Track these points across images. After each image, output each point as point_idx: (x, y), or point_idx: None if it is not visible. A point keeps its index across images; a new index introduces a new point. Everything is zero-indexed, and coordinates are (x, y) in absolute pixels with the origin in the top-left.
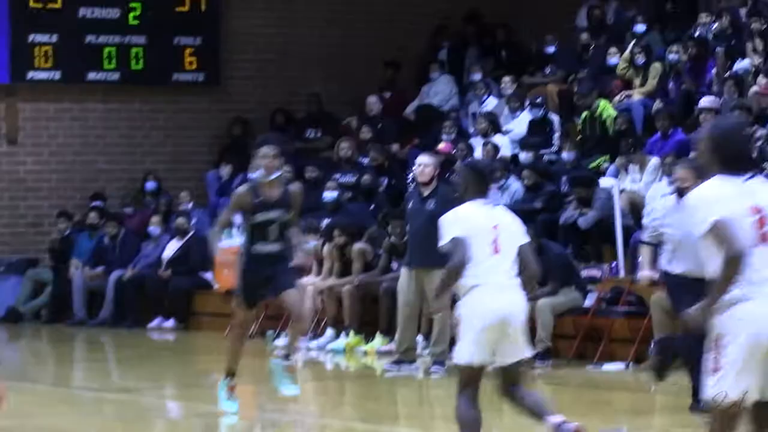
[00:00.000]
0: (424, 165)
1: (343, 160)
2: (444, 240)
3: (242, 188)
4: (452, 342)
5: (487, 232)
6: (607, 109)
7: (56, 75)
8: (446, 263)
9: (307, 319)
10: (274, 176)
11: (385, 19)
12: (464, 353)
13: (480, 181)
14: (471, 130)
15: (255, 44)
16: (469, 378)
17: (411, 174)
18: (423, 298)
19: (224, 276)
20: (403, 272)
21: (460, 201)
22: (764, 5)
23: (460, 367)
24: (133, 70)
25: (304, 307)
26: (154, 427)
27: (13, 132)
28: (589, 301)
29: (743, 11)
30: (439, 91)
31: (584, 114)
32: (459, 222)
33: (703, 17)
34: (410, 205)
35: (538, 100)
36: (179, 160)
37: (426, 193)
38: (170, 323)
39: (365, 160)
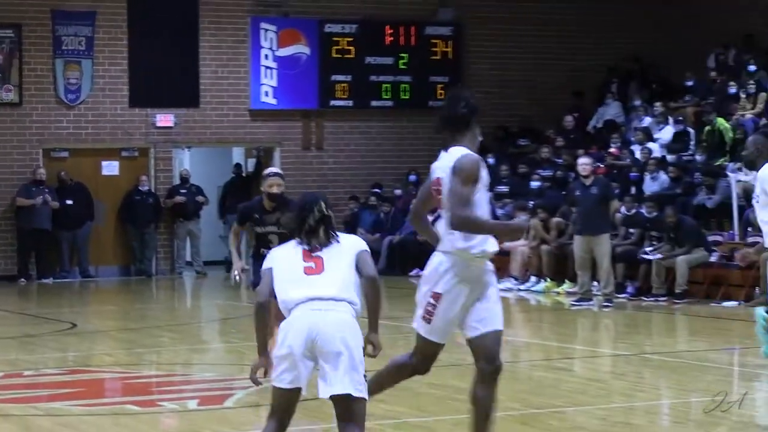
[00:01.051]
0: (584, 164)
1: (544, 160)
2: None
3: None
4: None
5: None
6: (722, 124)
7: (349, 103)
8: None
9: None
10: None
11: (573, 62)
12: None
13: None
14: (632, 139)
15: (484, 81)
16: None
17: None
18: (591, 256)
19: None
20: (576, 238)
21: (751, 165)
22: None
23: None
24: (402, 99)
25: None
26: None
27: (320, 142)
28: (713, 258)
29: None
30: (611, 112)
31: (707, 128)
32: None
33: None
34: (577, 192)
35: (680, 119)
36: (432, 160)
37: (588, 183)
38: None
39: (560, 160)
